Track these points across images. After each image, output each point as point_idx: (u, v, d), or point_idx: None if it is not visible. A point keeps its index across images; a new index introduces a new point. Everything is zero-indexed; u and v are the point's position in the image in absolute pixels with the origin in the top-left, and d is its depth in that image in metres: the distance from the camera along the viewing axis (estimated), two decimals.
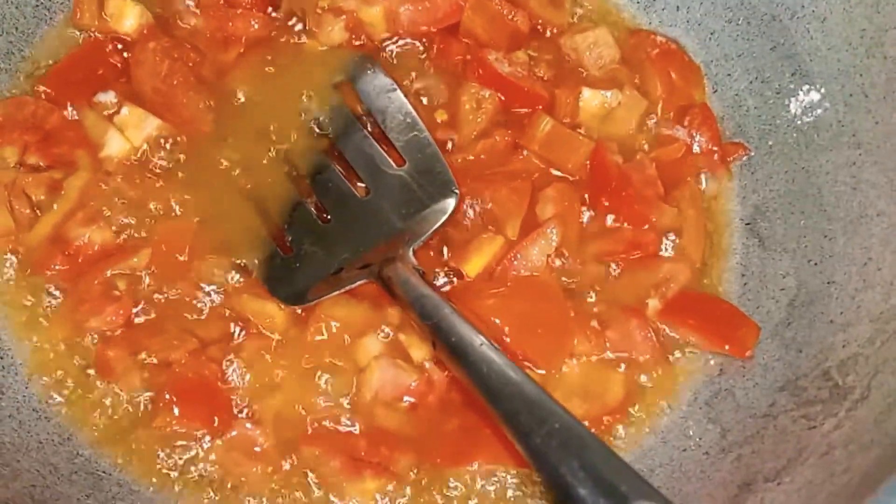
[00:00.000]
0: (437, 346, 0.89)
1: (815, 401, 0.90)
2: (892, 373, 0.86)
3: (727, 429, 0.94)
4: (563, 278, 1.01)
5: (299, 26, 1.10)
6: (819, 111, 1.05)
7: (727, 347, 0.98)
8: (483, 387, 0.83)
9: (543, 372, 0.96)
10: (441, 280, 0.99)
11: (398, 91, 1.05)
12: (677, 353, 0.99)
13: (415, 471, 0.92)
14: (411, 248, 0.96)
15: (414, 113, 1.05)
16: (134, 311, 0.95)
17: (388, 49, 1.10)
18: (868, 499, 0.72)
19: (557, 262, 1.01)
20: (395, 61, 1.10)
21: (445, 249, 1.01)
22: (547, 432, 0.79)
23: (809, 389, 0.91)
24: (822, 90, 1.05)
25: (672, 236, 1.03)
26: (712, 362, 0.99)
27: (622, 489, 0.75)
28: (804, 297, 0.98)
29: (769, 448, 0.89)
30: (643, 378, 0.98)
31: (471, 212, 1.02)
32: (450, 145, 1.06)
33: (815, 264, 0.99)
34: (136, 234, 0.98)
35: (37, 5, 1.08)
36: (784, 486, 0.84)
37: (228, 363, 0.93)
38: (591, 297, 1.00)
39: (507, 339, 0.95)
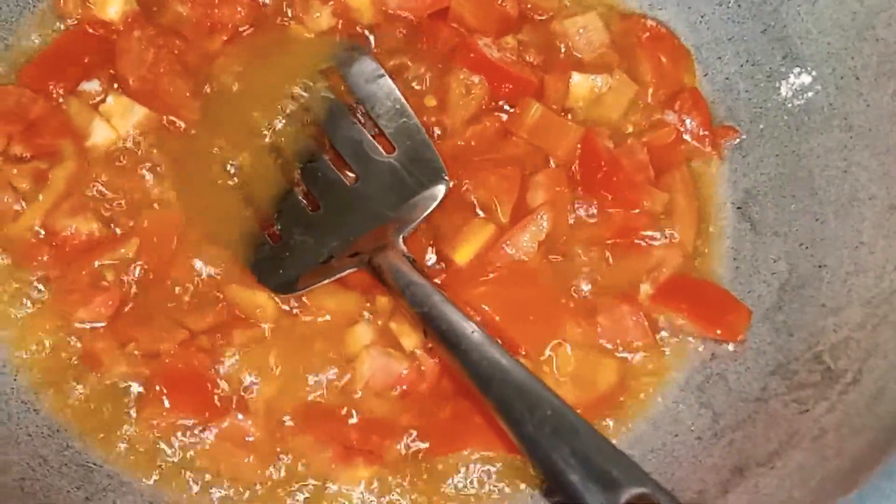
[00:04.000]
0: (428, 333, 0.88)
1: (806, 385, 0.90)
2: (883, 357, 0.85)
3: (719, 413, 0.94)
4: (554, 263, 1.00)
5: (287, 13, 1.09)
6: (810, 94, 1.04)
7: (719, 332, 0.97)
8: (474, 374, 0.83)
9: (529, 355, 0.96)
10: (431, 267, 0.99)
11: (386, 77, 1.04)
12: (669, 339, 0.99)
13: (407, 458, 0.92)
14: (401, 236, 0.95)
15: (402, 99, 1.04)
16: (122, 301, 0.94)
17: (375, 35, 1.09)
18: (861, 482, 0.72)
19: (548, 249, 1.00)
20: (382, 47, 1.08)
21: (435, 236, 1.00)
22: (538, 419, 0.79)
23: (801, 373, 0.91)
24: (813, 73, 1.04)
25: (663, 221, 1.03)
26: (704, 347, 0.99)
27: (614, 475, 0.76)
28: (795, 280, 0.98)
29: (761, 432, 0.89)
30: (635, 363, 0.98)
31: (461, 198, 1.01)
32: (439, 131, 1.05)
33: (807, 248, 0.99)
34: (123, 224, 0.97)
35: None
36: (777, 471, 0.84)
37: (218, 353, 0.92)
38: (583, 284, 1.00)
39: (498, 326, 0.94)
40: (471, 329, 0.85)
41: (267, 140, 1.02)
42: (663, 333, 0.99)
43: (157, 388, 0.90)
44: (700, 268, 1.03)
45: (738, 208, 1.06)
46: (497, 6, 1.10)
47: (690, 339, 0.99)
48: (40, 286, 0.95)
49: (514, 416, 0.80)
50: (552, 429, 0.79)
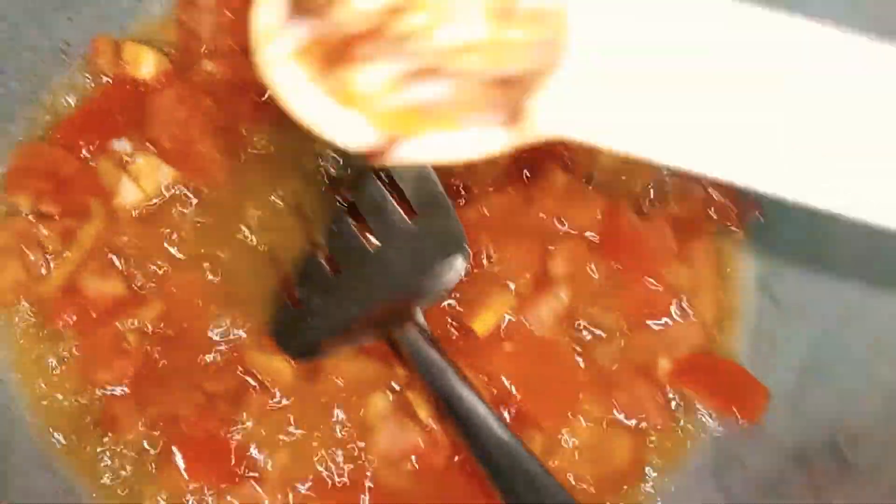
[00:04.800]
0: (443, 413, 0.89)
1: (823, 474, 0.89)
2: None
3: (734, 496, 0.93)
4: (573, 335, 1.00)
5: None
6: None
7: (736, 412, 0.97)
8: (486, 461, 0.84)
9: (545, 429, 0.96)
10: (449, 336, 0.99)
11: None
12: (686, 416, 0.98)
13: None
14: (420, 308, 0.96)
15: (426, 165, 1.04)
16: (143, 364, 0.95)
17: None
18: None
19: (567, 320, 1.00)
20: None
21: (455, 304, 1.00)
22: None
23: (818, 462, 0.90)
24: None
25: (684, 295, 1.02)
26: (721, 426, 0.98)
27: None
28: (816, 364, 0.97)
29: None
30: (651, 440, 0.97)
31: (481, 266, 1.01)
32: (462, 197, 1.05)
33: (829, 331, 0.98)
34: (147, 286, 0.98)
35: (54, 50, 1.08)
36: None
37: (235, 418, 0.93)
38: (600, 357, 0.99)
39: (515, 398, 0.94)
40: (484, 412, 0.85)
41: (292, 201, 1.03)
42: (680, 410, 0.99)
43: (175, 452, 0.91)
44: (719, 344, 1.02)
45: (761, 285, 1.05)
46: None
47: (707, 417, 0.98)
48: (64, 345, 0.97)
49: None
50: None
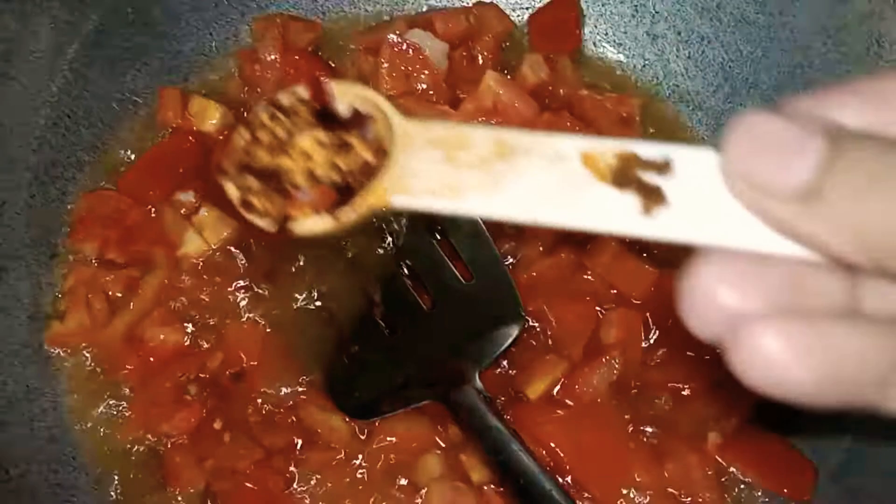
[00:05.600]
0: (504, 482, 0.89)
1: None
2: None
3: None
4: (624, 405, 1.01)
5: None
6: None
7: (786, 490, 0.98)
8: None
9: (597, 499, 0.97)
10: (501, 400, 1.00)
11: None
12: (736, 491, 0.99)
13: None
14: (477, 371, 0.97)
15: (481, 225, 1.06)
16: (203, 416, 0.96)
17: None
18: None
19: (618, 389, 1.01)
20: None
21: (507, 368, 1.02)
22: None
23: None
24: None
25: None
26: (770, 502, 0.99)
27: None
28: (863, 442, 0.98)
29: None
30: None
31: (534, 332, 1.03)
32: (513, 260, 1.07)
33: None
34: (207, 337, 1.00)
35: (122, 100, 1.11)
36: None
37: (291, 474, 0.94)
38: (651, 427, 1.01)
39: (566, 466, 0.95)
40: (549, 486, 0.86)
41: (351, 258, 1.05)
42: (729, 485, 0.99)
43: None
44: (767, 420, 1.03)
45: None
46: None
47: (756, 493, 0.99)
48: (125, 394, 0.98)
49: None
50: None
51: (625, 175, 0.52)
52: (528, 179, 0.55)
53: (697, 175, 0.51)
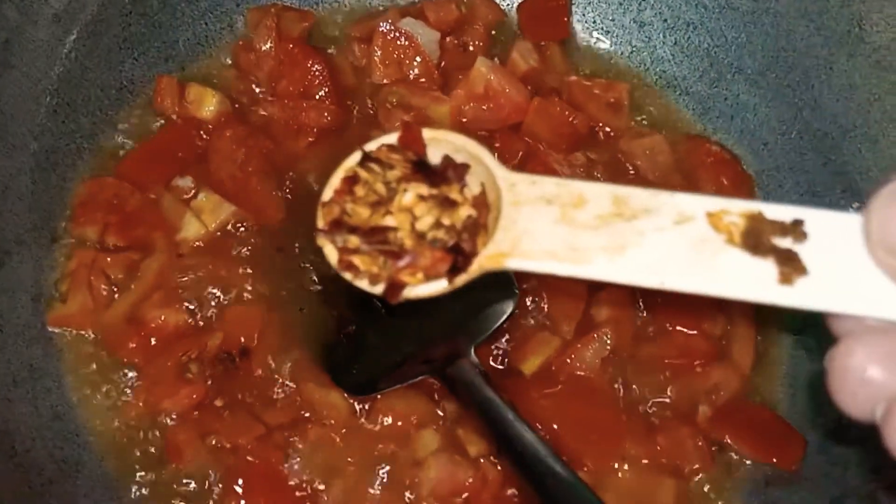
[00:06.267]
0: (500, 453, 0.91)
1: None
2: None
3: None
4: (616, 380, 1.03)
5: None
6: None
7: (774, 460, 1.00)
8: (542, 492, 0.86)
9: (592, 471, 0.99)
10: (496, 374, 1.02)
11: None
12: (726, 461, 1.01)
13: None
14: (473, 347, 0.99)
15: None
16: (205, 394, 0.97)
17: None
18: None
19: (610, 365, 1.03)
20: None
21: (503, 344, 1.04)
22: None
23: None
24: None
25: (722, 344, 1.06)
26: (759, 473, 1.01)
27: None
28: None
29: None
30: (693, 485, 1.00)
31: (528, 310, 1.05)
32: None
33: None
34: (208, 317, 1.01)
35: (120, 88, 1.13)
36: None
37: (291, 450, 0.96)
38: (642, 401, 1.03)
39: (561, 439, 0.98)
40: (545, 453, 0.88)
41: None
42: (720, 455, 1.02)
43: (238, 482, 0.93)
44: (757, 392, 1.06)
45: (796, 335, 1.09)
46: (568, 123, 1.15)
47: (746, 464, 1.01)
48: (130, 373, 0.99)
49: None
50: None
51: (758, 239, 0.50)
52: (655, 242, 0.52)
53: (834, 240, 0.48)
